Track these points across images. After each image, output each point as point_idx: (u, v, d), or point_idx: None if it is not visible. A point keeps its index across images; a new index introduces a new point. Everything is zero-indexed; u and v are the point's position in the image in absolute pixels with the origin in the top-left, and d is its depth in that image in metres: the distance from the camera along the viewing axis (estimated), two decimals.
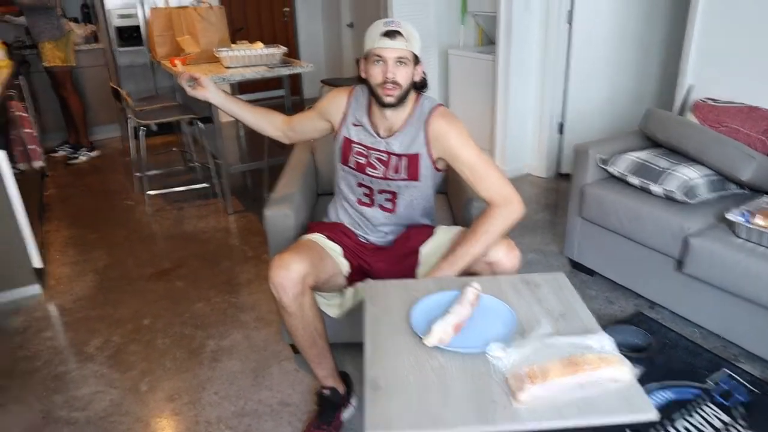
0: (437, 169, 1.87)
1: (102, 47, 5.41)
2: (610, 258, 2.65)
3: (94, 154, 5.12)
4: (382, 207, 1.92)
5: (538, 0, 3.88)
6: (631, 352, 2.10)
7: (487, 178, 1.75)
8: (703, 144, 2.38)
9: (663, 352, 2.20)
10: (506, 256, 1.70)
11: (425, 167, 1.84)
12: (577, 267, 2.88)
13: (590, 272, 2.82)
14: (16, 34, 5.34)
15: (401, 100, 1.75)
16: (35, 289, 2.86)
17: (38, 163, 3.46)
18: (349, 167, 1.90)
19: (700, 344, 2.27)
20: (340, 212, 2.01)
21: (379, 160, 1.85)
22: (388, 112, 1.79)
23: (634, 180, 2.47)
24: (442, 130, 1.79)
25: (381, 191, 1.89)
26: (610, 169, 2.58)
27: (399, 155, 1.83)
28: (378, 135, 1.84)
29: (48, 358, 2.37)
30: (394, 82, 1.70)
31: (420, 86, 1.82)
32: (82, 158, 5.02)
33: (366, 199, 1.93)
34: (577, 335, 1.32)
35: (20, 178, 2.94)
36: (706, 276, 2.18)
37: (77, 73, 5.21)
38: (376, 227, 1.94)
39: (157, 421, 2.03)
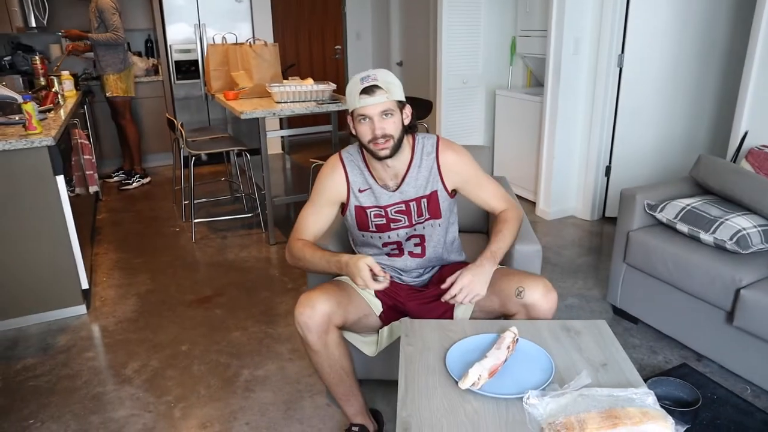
0: (451, 197, 1.87)
1: (161, 80, 5.66)
2: (656, 306, 2.56)
3: (145, 181, 5.31)
4: (411, 254, 1.89)
5: (588, 43, 3.88)
6: (675, 406, 2.00)
7: (498, 192, 1.89)
8: (759, 192, 2.30)
9: (710, 409, 2.09)
10: (543, 297, 1.66)
11: (443, 200, 1.83)
12: (620, 314, 2.79)
13: (634, 320, 2.72)
14: (85, 66, 5.65)
15: (397, 149, 1.72)
16: (81, 309, 2.95)
17: (94, 188, 3.60)
18: (371, 232, 1.86)
19: (752, 402, 2.15)
20: None
21: (399, 212, 1.82)
22: (389, 161, 1.75)
23: (683, 227, 2.40)
24: (456, 161, 1.82)
25: (408, 238, 1.87)
26: (658, 215, 2.51)
27: (417, 199, 1.80)
28: (388, 188, 1.82)
29: (88, 378, 2.42)
30: (385, 135, 1.67)
31: (411, 127, 1.78)
32: (135, 184, 5.21)
33: (395, 251, 1.90)
34: (618, 387, 1.27)
35: (76, 201, 3.07)
36: (759, 330, 2.08)
37: (136, 104, 5.47)
38: (409, 272, 1.93)
39: None
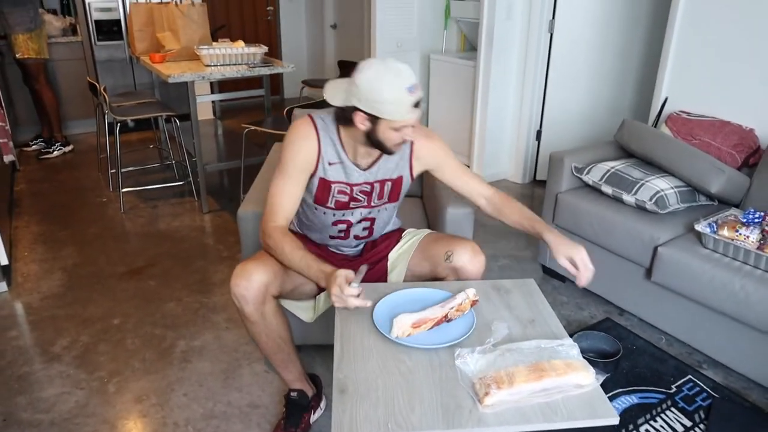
0: (413, 180, 1.84)
1: (80, 40, 5.32)
2: None
3: (67, 149, 5.03)
4: (357, 237, 1.86)
5: (521, 8, 3.92)
6: (598, 357, 2.13)
7: (476, 176, 1.87)
8: (676, 156, 2.43)
9: (630, 358, 2.23)
10: (470, 261, 1.71)
11: (405, 186, 1.81)
12: (549, 273, 2.91)
13: (562, 279, 2.84)
14: None
15: None
16: (1, 286, 2.80)
17: (9, 158, 3.40)
18: (328, 207, 1.78)
19: (666, 351, 2.31)
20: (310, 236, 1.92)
21: (363, 192, 1.76)
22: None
23: (607, 189, 2.51)
24: (430, 148, 1.77)
25: (360, 221, 1.82)
26: (585, 177, 2.61)
27: (382, 181, 1.76)
28: (359, 166, 1.72)
29: (12, 358, 2.32)
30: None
31: None
32: (56, 153, 4.93)
33: (341, 234, 1.84)
34: (544, 341, 1.33)
35: None
36: (673, 285, 2.22)
37: (52, 66, 5.13)
38: (348, 244, 1.91)
39: (124, 423, 2.00)
